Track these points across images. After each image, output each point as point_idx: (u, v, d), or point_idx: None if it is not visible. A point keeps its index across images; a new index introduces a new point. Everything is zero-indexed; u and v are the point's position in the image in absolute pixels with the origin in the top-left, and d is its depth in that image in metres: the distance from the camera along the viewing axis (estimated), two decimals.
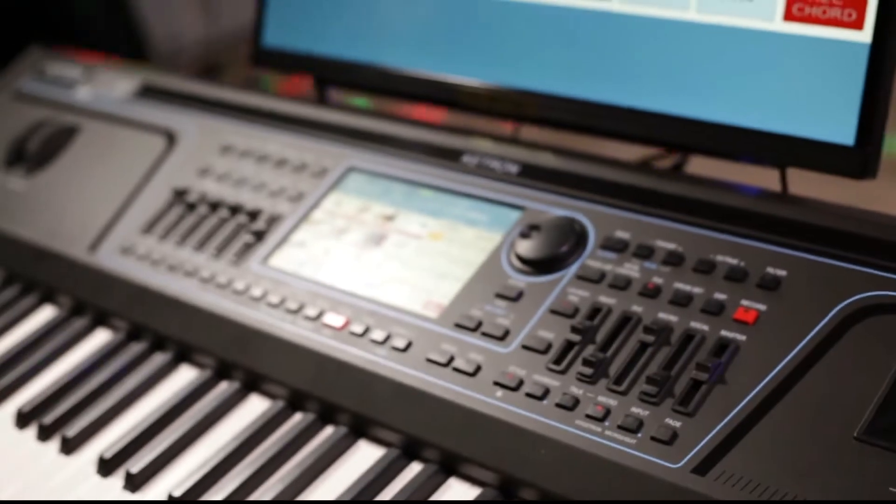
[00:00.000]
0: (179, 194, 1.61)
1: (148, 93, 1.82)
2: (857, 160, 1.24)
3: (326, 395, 1.31)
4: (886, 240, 1.17)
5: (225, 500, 1.23)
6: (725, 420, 1.10)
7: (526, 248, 1.32)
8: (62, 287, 1.61)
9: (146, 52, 2.81)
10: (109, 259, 1.58)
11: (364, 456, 1.26)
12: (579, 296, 1.26)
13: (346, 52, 1.67)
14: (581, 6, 1.43)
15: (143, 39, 2.75)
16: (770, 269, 1.20)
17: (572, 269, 1.29)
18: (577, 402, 1.17)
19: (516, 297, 1.29)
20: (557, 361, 1.21)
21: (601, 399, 1.17)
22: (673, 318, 1.20)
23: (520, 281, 1.30)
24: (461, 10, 1.54)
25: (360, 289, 1.38)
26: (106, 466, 1.32)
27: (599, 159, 1.41)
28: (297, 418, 1.33)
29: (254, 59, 1.78)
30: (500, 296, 1.30)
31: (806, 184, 1.34)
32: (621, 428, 1.14)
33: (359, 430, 1.29)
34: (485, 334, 1.27)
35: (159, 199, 1.63)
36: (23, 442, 1.40)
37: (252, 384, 1.39)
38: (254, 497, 1.24)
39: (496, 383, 1.22)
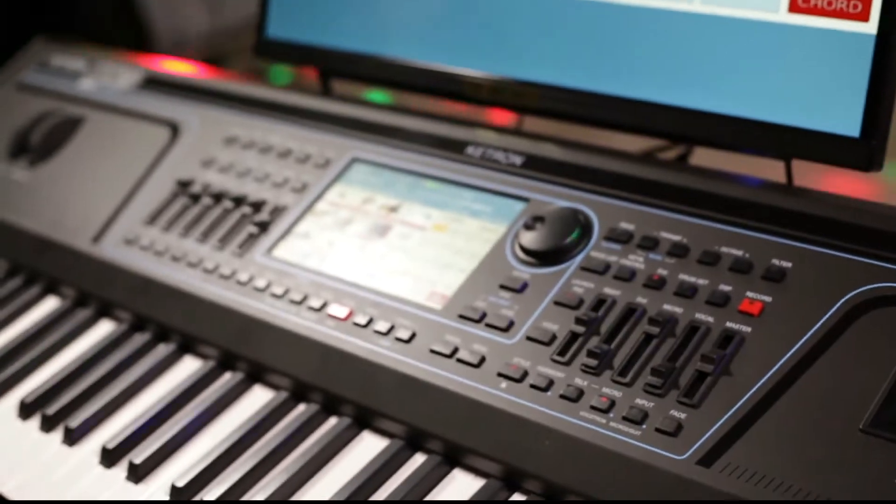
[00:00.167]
0: (183, 185, 1.61)
1: (151, 84, 1.82)
2: (862, 152, 1.24)
3: (330, 386, 1.31)
4: (892, 231, 1.17)
5: (228, 491, 1.23)
6: (730, 412, 1.10)
7: (530, 239, 1.32)
8: (65, 278, 1.60)
9: (150, 44, 2.80)
10: (113, 250, 1.58)
11: (367, 447, 1.26)
12: (584, 287, 1.26)
13: (350, 44, 1.66)
14: None
15: (146, 31, 2.74)
16: (775, 261, 1.19)
17: (577, 261, 1.29)
18: (581, 393, 1.17)
19: (520, 289, 1.28)
20: (562, 353, 1.21)
21: (605, 391, 1.16)
22: (678, 310, 1.20)
23: (524, 272, 1.30)
24: (464, 0, 1.54)
25: (363, 280, 1.38)
26: (109, 457, 1.31)
27: (604, 151, 1.41)
28: (301, 409, 1.32)
29: (257, 51, 1.77)
30: (504, 287, 1.29)
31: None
32: (626, 419, 1.13)
33: (362, 421, 1.29)
34: (489, 325, 1.26)
35: (163, 191, 1.62)
36: (26, 433, 1.40)
37: (255, 375, 1.38)
38: (257, 488, 1.24)
39: (500, 375, 1.22)
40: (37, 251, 1.65)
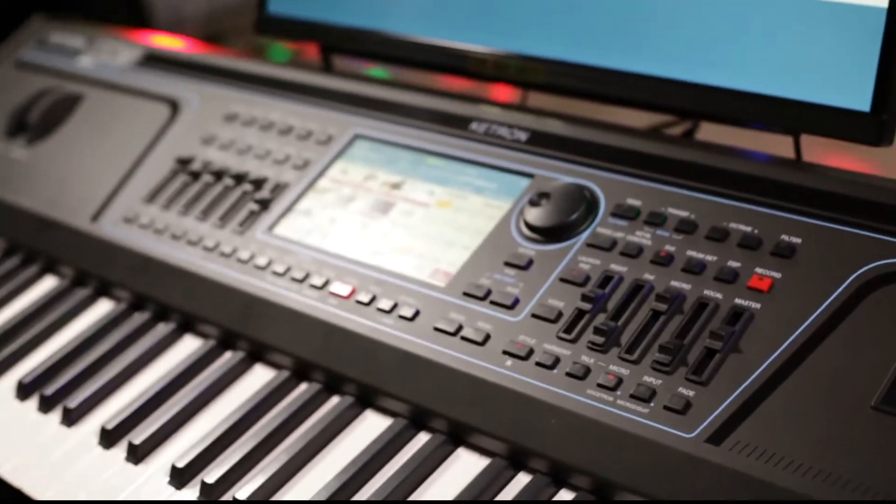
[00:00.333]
0: (183, 163, 1.59)
1: (151, 61, 1.80)
2: (873, 127, 1.22)
3: (332, 365, 1.29)
4: None
5: (228, 471, 1.21)
6: (740, 389, 1.08)
7: (535, 215, 1.30)
8: (64, 257, 1.58)
9: (148, 22, 2.78)
10: (112, 229, 1.56)
11: (371, 426, 1.24)
12: (590, 264, 1.24)
13: (352, 20, 1.64)
14: None
15: (145, 10, 2.72)
16: (785, 237, 1.17)
17: (583, 237, 1.27)
18: (588, 371, 1.15)
19: (526, 266, 1.26)
20: (568, 330, 1.19)
21: (613, 368, 1.14)
22: (686, 287, 1.18)
23: (529, 249, 1.28)
24: None
25: (366, 257, 1.36)
26: (108, 438, 1.30)
27: (610, 126, 1.39)
28: (303, 388, 1.31)
29: (258, 28, 1.75)
30: (509, 264, 1.28)
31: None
32: (633, 397, 1.12)
33: (365, 400, 1.27)
34: (494, 303, 1.25)
35: (163, 168, 1.61)
36: (24, 413, 1.38)
37: (256, 354, 1.37)
38: (258, 468, 1.22)
39: (505, 352, 1.20)
40: (35, 230, 1.63)
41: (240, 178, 1.53)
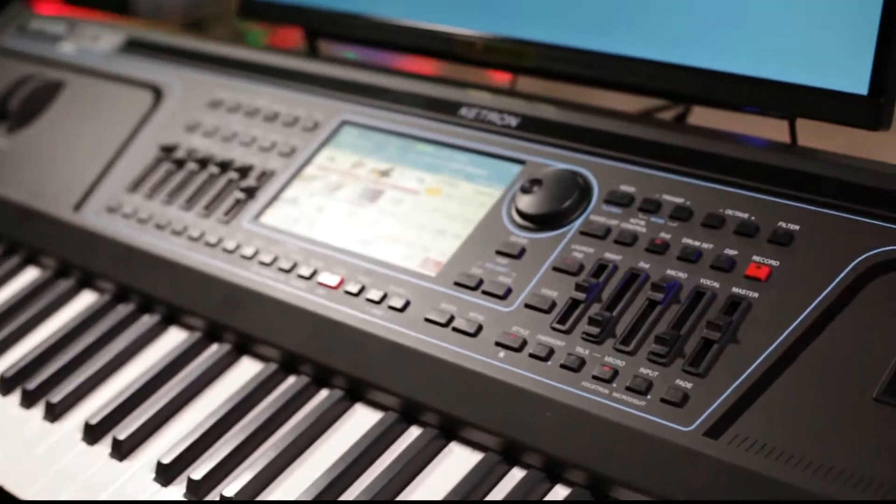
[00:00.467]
0: (167, 151, 1.56)
1: (134, 47, 1.77)
2: (870, 110, 1.20)
3: (321, 357, 1.26)
4: None
5: (216, 467, 1.18)
6: (738, 381, 1.06)
7: (527, 203, 1.27)
8: (46, 248, 1.55)
9: (128, 9, 2.76)
10: (95, 218, 1.53)
11: (361, 420, 1.22)
12: (584, 252, 1.21)
13: (336, 3, 1.62)
14: None
15: None
16: (782, 224, 1.15)
17: (576, 225, 1.24)
18: (582, 362, 1.13)
19: (518, 255, 1.24)
20: (562, 321, 1.16)
21: (608, 359, 1.12)
22: (682, 275, 1.15)
23: (521, 237, 1.25)
24: None
25: (355, 247, 1.34)
26: (92, 433, 1.27)
27: (603, 111, 1.36)
28: (291, 381, 1.28)
29: (241, 12, 1.72)
30: (500, 253, 1.25)
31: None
32: (629, 389, 1.09)
33: (355, 393, 1.24)
34: (485, 293, 1.22)
35: (146, 157, 1.58)
36: (6, 408, 1.35)
37: (243, 346, 1.34)
38: (246, 464, 1.19)
39: (498, 343, 1.17)
40: (16, 220, 1.61)
41: (225, 166, 1.50)
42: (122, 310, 1.44)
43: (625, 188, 1.25)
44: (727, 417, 1.04)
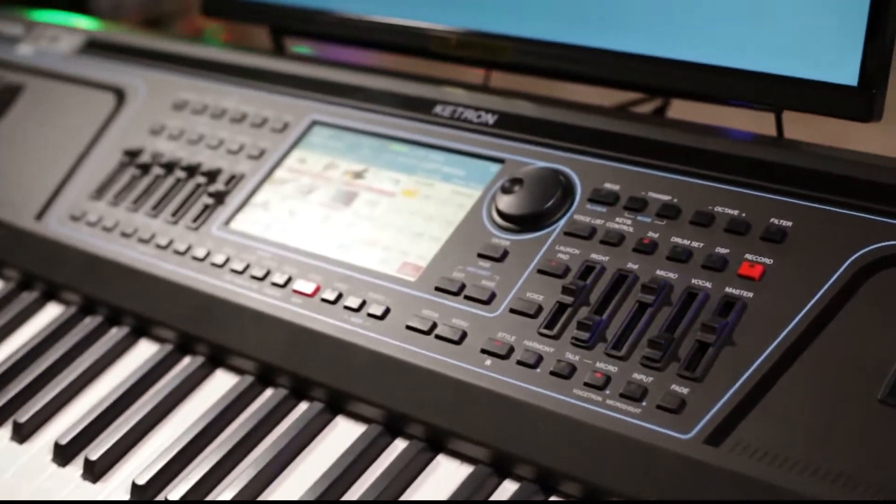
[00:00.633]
0: (131, 155, 1.51)
1: (94, 48, 1.72)
2: (861, 102, 1.18)
3: (299, 369, 1.22)
4: None
5: (193, 487, 1.14)
6: (737, 385, 1.03)
7: (508, 203, 1.23)
8: (8, 259, 1.50)
9: (87, 8, 2.71)
10: (58, 227, 1.48)
11: (343, 434, 1.18)
12: (569, 254, 1.18)
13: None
14: None
15: None
16: (774, 220, 1.12)
17: (560, 225, 1.21)
18: (573, 369, 1.09)
19: (500, 257, 1.20)
20: (550, 326, 1.13)
21: (600, 365, 1.08)
22: (672, 276, 1.12)
23: (503, 239, 1.22)
24: None
25: (330, 252, 1.29)
26: (63, 454, 1.22)
27: (583, 106, 1.33)
28: (268, 394, 1.24)
29: (205, 10, 1.68)
30: (482, 256, 1.21)
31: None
32: (623, 396, 1.06)
33: (335, 405, 1.20)
34: (469, 298, 1.18)
35: (110, 162, 1.53)
36: None
37: (217, 359, 1.29)
38: (225, 483, 1.15)
39: (484, 351, 1.14)
40: None
41: (192, 170, 1.45)
42: (90, 322, 1.39)
43: (609, 186, 1.21)
44: (727, 423, 1.01)
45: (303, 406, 1.21)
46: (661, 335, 1.07)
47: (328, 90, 1.47)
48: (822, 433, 0.97)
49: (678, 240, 1.14)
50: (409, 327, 1.18)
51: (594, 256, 1.16)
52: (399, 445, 1.15)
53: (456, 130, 1.35)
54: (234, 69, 1.57)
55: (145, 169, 1.48)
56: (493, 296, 1.17)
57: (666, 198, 1.18)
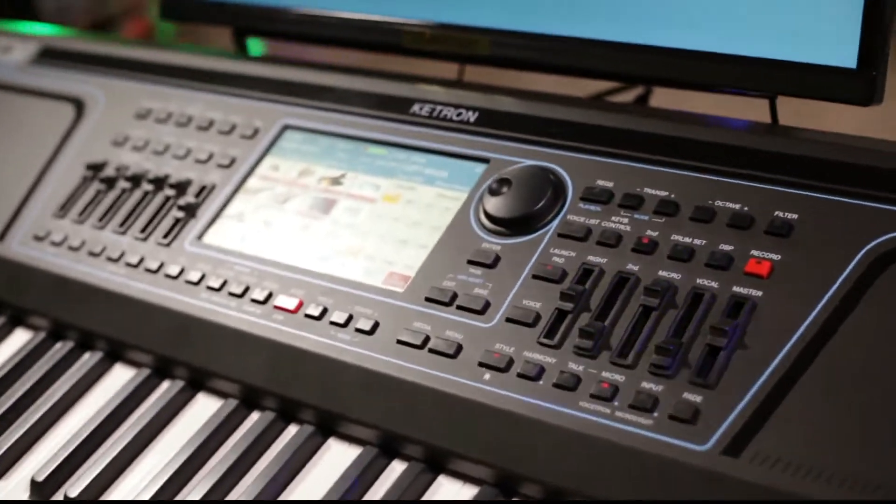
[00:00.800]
0: (94, 169, 1.46)
1: (49, 56, 1.66)
2: (861, 85, 1.14)
3: (285, 390, 1.17)
4: None
5: None
6: (753, 390, 0.98)
7: (497, 205, 1.19)
8: None
9: (33, 11, 2.65)
10: (21, 248, 1.43)
11: (337, 457, 1.13)
12: (565, 257, 1.13)
13: None
14: None
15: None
16: (779, 213, 1.08)
17: (553, 227, 1.16)
18: (578, 380, 1.04)
19: (492, 263, 1.15)
20: (550, 334, 1.08)
21: (606, 375, 1.03)
22: (676, 276, 1.07)
23: (494, 244, 1.17)
24: None
25: (311, 264, 1.24)
26: (40, 491, 1.17)
27: (569, 100, 1.29)
28: (255, 418, 1.19)
29: (164, 12, 1.62)
30: (473, 262, 1.16)
31: None
32: (633, 407, 1.01)
33: (327, 427, 1.15)
34: (461, 308, 1.13)
35: (72, 177, 1.47)
36: None
37: (198, 382, 1.24)
38: None
39: (482, 364, 1.09)
40: None
41: (160, 183, 1.40)
42: (60, 348, 1.34)
43: (602, 183, 1.16)
44: (746, 432, 0.96)
45: (292, 429, 1.16)
46: (668, 340, 1.02)
47: (299, 92, 1.42)
48: (847, 438, 0.93)
49: (679, 238, 1.09)
50: (400, 342, 1.13)
51: (591, 259, 1.11)
52: (397, 467, 1.10)
53: (436, 130, 1.30)
54: (198, 73, 1.51)
55: (110, 183, 1.42)
56: (487, 305, 1.12)
57: (663, 193, 1.13)
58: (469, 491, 1.05)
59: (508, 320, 1.10)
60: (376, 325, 1.15)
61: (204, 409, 1.21)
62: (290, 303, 1.21)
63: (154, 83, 1.53)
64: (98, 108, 1.53)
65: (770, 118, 1.23)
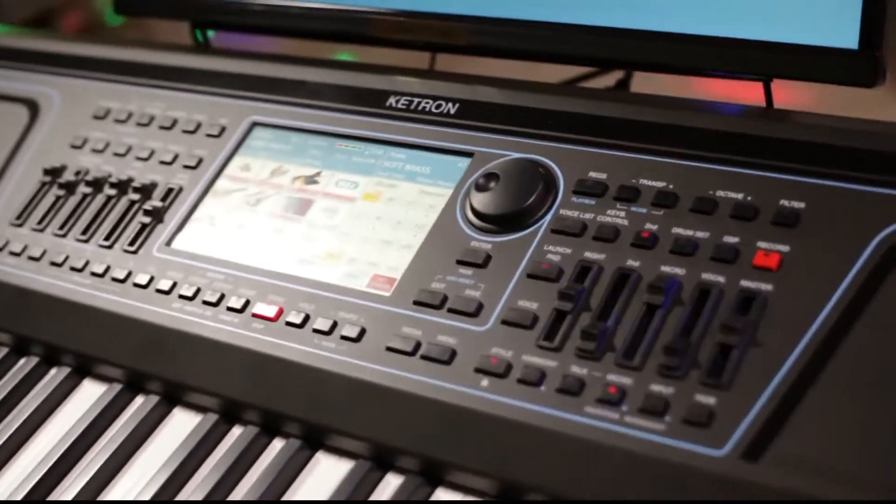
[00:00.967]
0: (52, 174, 1.40)
1: None
2: (863, 66, 1.09)
3: (267, 403, 1.13)
4: None
5: None
6: (769, 390, 0.94)
7: (484, 201, 1.14)
8: None
9: None
10: None
11: (326, 472, 1.08)
12: (560, 254, 1.08)
13: None
14: None
15: None
16: (785, 202, 1.03)
17: (545, 222, 1.11)
18: (582, 384, 0.99)
19: (483, 263, 1.10)
20: (549, 337, 1.03)
21: (612, 378, 0.99)
22: (679, 271, 1.03)
23: (484, 242, 1.12)
24: None
25: (290, 269, 1.19)
26: None
27: (554, 88, 1.25)
28: (236, 434, 1.14)
29: (118, 7, 1.56)
30: (462, 262, 1.12)
31: None
32: (643, 412, 0.96)
33: (314, 441, 1.10)
34: (453, 311, 1.08)
35: (29, 183, 1.41)
36: None
37: (174, 396, 1.19)
38: None
39: (478, 370, 1.04)
40: None
41: (123, 186, 1.34)
42: (25, 364, 1.28)
43: (595, 175, 1.12)
44: (764, 435, 0.92)
45: (278, 443, 1.11)
46: (676, 339, 0.98)
47: (266, 87, 1.36)
48: (873, 438, 0.89)
49: (680, 230, 1.05)
50: (389, 349, 1.08)
51: (589, 255, 1.07)
52: (392, 481, 1.05)
53: (414, 123, 1.25)
54: (158, 70, 1.45)
55: (70, 188, 1.37)
56: (480, 307, 1.07)
57: (660, 184, 1.09)
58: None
59: (504, 323, 1.05)
60: (363, 331, 1.10)
61: (182, 424, 1.16)
62: (270, 310, 1.15)
63: (112, 81, 1.47)
64: (53, 110, 1.48)
65: (765, 102, 1.19)
